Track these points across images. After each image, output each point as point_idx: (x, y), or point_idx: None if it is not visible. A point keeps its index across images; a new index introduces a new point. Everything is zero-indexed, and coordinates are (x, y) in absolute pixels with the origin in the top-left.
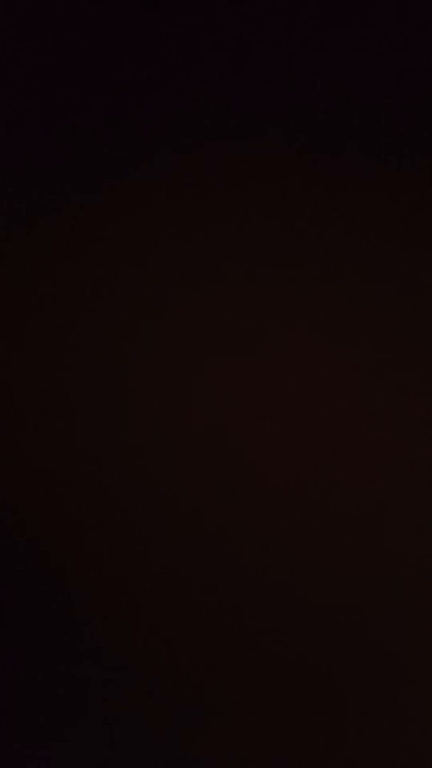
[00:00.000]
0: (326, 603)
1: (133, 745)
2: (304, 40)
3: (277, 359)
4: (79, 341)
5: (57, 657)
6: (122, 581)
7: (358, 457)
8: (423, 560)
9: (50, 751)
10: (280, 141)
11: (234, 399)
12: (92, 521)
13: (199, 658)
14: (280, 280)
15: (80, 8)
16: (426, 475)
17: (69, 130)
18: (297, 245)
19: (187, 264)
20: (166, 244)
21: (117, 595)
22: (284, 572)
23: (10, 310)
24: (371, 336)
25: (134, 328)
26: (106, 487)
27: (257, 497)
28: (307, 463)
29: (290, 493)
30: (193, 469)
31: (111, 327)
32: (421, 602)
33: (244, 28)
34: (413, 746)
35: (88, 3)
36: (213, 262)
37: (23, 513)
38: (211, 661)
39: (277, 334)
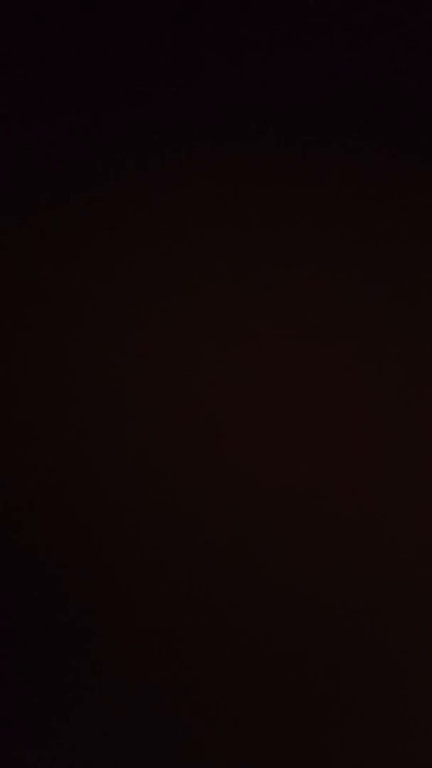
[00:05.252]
0: (326, 604)
1: (132, 746)
2: (303, 40)
3: (277, 359)
4: (78, 344)
5: (56, 658)
6: (121, 581)
7: (358, 456)
8: (423, 561)
9: (50, 752)
10: (279, 142)
11: (233, 399)
12: (91, 521)
13: (199, 658)
14: (280, 280)
15: (80, 8)
16: (426, 475)
17: (69, 130)
18: (296, 246)
19: (186, 264)
20: (166, 244)
21: (117, 597)
22: (283, 573)
23: (10, 310)
24: (370, 335)
25: (134, 329)
26: (105, 488)
27: (256, 497)
28: (306, 463)
29: (289, 493)
30: (193, 469)
31: (110, 327)
32: (422, 604)
33: (242, 28)
34: (413, 746)
35: (88, 3)
36: (213, 263)
37: (23, 512)
38: (211, 660)
39: (277, 334)
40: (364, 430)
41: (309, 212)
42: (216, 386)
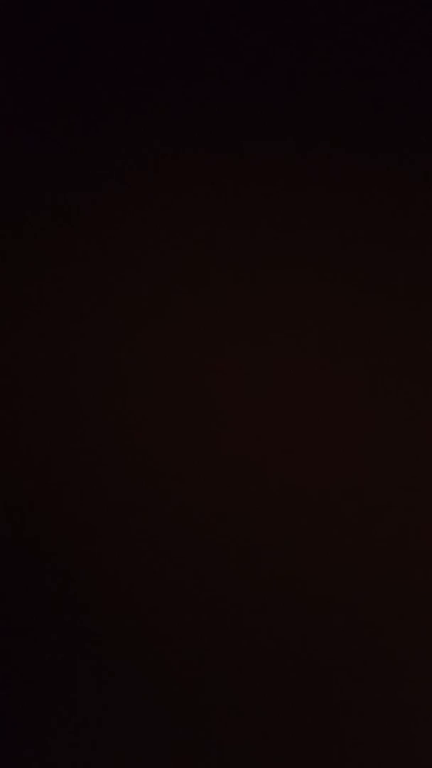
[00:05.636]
0: (328, 603)
1: (133, 746)
2: (303, 41)
3: (278, 359)
4: (79, 344)
5: (56, 658)
6: (122, 581)
7: (359, 456)
8: (423, 561)
9: (50, 752)
10: (280, 143)
11: (234, 399)
12: (91, 520)
13: (200, 657)
14: (282, 280)
15: (80, 9)
16: (426, 478)
17: (69, 132)
18: (298, 247)
19: (187, 265)
20: (167, 245)
21: (118, 596)
22: (285, 572)
23: (10, 310)
24: (371, 335)
25: (134, 329)
26: (106, 487)
27: (258, 497)
28: (308, 463)
29: (290, 493)
30: (195, 468)
31: (111, 328)
32: (423, 603)
33: (242, 29)
34: (414, 745)
35: (89, 4)
36: (214, 264)
37: (23, 512)
38: (212, 659)
39: (279, 337)
40: (366, 428)
41: (310, 214)
42: (218, 386)
